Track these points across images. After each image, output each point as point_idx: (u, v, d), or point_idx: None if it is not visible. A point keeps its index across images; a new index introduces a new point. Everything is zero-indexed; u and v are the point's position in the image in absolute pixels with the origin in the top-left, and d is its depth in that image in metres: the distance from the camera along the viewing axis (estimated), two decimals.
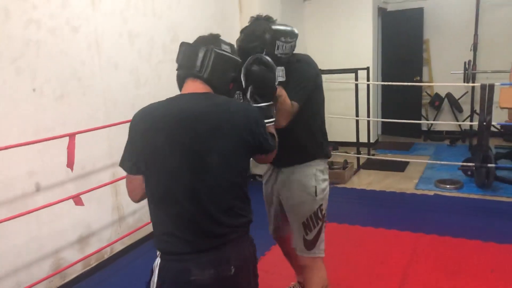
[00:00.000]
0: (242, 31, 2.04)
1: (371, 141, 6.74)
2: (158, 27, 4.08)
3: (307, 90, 2.10)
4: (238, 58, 1.68)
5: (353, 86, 5.83)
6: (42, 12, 3.01)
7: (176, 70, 1.67)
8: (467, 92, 7.03)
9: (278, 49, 1.96)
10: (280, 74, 1.86)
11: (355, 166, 5.92)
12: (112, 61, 3.60)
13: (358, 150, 5.99)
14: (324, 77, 6.15)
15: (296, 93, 2.04)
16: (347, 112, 6.21)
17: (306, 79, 2.12)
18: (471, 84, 6.14)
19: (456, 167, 5.27)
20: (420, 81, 7.23)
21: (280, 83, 1.90)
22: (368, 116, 6.14)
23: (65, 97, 3.19)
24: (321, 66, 6.37)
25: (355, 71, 5.74)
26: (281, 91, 1.92)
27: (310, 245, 2.22)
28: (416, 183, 5.20)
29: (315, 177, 2.19)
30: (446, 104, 7.33)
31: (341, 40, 7.04)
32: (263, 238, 3.28)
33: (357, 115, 5.82)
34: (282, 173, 2.29)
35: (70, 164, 2.96)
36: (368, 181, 5.46)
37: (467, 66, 6.41)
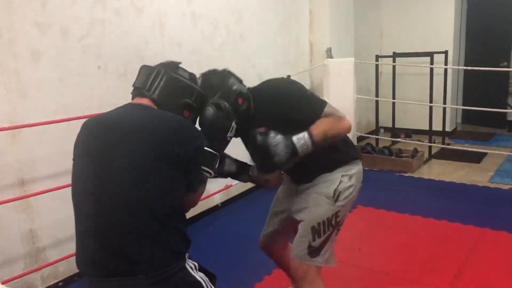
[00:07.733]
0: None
1: (448, 129, 6.38)
2: (222, 8, 4.12)
3: (314, 96, 1.93)
4: (195, 86, 1.61)
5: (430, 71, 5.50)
6: None
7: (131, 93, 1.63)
8: None
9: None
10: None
11: (426, 155, 5.63)
12: (175, 41, 3.71)
13: (431, 138, 5.68)
14: (399, 60, 6.00)
15: (310, 106, 1.87)
16: (423, 98, 5.87)
17: (296, 92, 1.94)
18: None
19: None
20: (508, 66, 6.64)
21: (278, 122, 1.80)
22: (445, 103, 5.79)
23: (128, 75, 3.32)
24: (397, 49, 6.20)
25: (430, 54, 5.41)
26: (317, 128, 1.80)
27: (314, 252, 1.99)
28: (491, 176, 4.84)
29: (340, 182, 1.99)
30: None
31: (420, 22, 6.70)
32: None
33: (430, 102, 5.49)
34: (302, 188, 2.10)
35: None
36: (438, 171, 5.17)
37: None
